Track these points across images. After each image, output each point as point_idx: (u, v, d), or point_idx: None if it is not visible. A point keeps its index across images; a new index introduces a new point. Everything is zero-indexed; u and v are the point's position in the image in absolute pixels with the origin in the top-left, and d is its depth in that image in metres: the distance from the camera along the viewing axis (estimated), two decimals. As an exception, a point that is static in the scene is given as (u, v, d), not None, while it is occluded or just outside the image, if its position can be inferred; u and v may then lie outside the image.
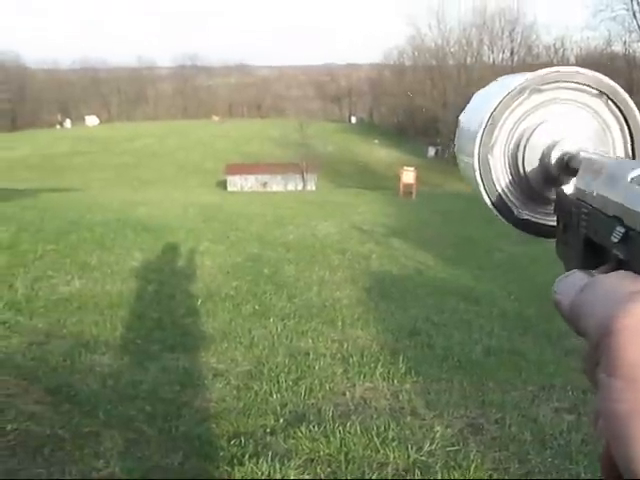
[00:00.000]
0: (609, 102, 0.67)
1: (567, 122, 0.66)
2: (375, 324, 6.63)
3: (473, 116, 0.70)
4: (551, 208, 0.66)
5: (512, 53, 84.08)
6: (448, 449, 3.84)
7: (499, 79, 0.72)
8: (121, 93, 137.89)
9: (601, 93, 0.67)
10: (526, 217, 0.69)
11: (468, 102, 0.75)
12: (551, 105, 0.67)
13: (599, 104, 0.68)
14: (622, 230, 0.46)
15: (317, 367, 5.19)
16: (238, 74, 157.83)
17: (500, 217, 0.69)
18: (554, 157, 0.64)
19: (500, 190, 0.68)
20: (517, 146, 0.67)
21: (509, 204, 0.69)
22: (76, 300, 6.70)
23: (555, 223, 0.64)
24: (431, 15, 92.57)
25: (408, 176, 37.08)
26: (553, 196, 0.64)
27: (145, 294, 7.30)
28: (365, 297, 7.97)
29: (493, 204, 0.68)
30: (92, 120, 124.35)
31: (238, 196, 36.02)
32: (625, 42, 51.10)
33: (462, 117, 0.75)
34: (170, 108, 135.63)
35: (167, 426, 3.95)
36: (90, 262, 8.49)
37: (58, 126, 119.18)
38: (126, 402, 4.27)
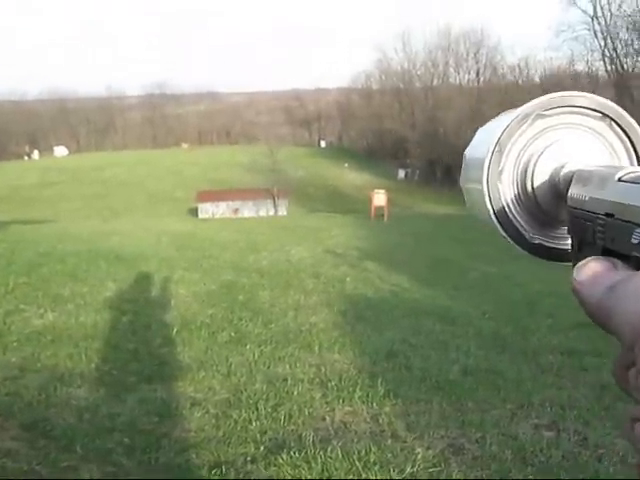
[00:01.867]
0: (613, 124, 0.68)
1: (573, 145, 0.67)
2: (352, 347, 6.62)
3: (479, 146, 0.71)
4: (563, 231, 0.67)
5: (478, 74, 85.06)
6: (430, 470, 3.84)
7: (503, 112, 0.73)
8: (90, 123, 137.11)
9: (605, 116, 0.68)
10: (538, 242, 0.69)
11: (471, 139, 0.76)
12: (556, 130, 0.68)
13: (603, 127, 0.68)
14: None
15: (296, 393, 5.16)
16: (208, 101, 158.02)
17: (512, 243, 0.69)
18: (562, 179, 0.65)
19: (511, 216, 0.69)
20: (525, 171, 0.68)
21: (521, 230, 0.69)
22: (50, 333, 6.62)
23: (568, 246, 0.65)
24: (397, 39, 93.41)
25: (379, 198, 37.27)
26: (564, 218, 0.65)
27: (120, 325, 7.23)
28: (341, 321, 7.95)
29: (505, 230, 0.69)
30: (61, 151, 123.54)
31: (210, 223, 35.91)
32: (587, 61, 51.99)
33: (467, 151, 0.76)
34: (139, 137, 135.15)
35: (146, 458, 3.90)
36: (63, 294, 8.40)
37: (26, 157, 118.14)
38: (104, 435, 4.22)
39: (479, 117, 59.65)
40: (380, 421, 4.65)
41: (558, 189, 0.66)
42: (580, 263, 0.50)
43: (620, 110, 0.68)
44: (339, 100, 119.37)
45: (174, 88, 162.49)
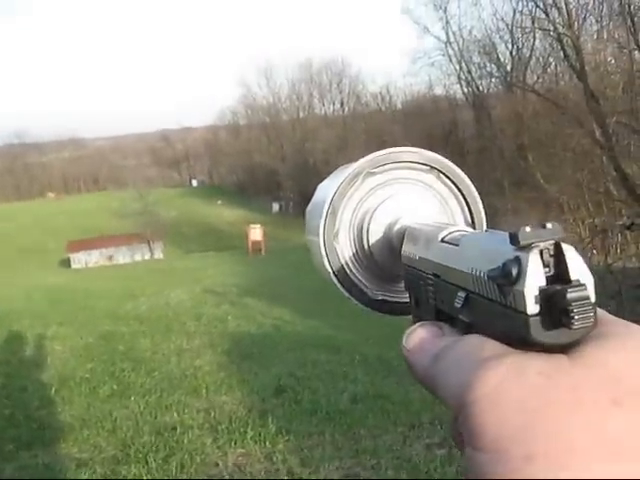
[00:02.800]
0: (441, 175, 0.70)
1: (404, 200, 0.68)
2: (240, 387, 6.54)
3: (316, 208, 0.72)
4: (403, 286, 0.67)
5: (342, 104, 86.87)
6: (328, 504, 3.82)
7: (338, 168, 0.74)
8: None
9: (432, 168, 0.70)
10: (381, 297, 0.70)
11: (312, 193, 0.76)
12: (387, 186, 0.69)
13: (432, 179, 0.70)
14: (463, 295, 0.47)
15: (186, 441, 5.03)
16: (71, 148, 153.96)
17: (355, 302, 0.69)
18: (395, 236, 0.66)
19: (351, 275, 0.69)
20: (361, 229, 0.69)
21: (362, 287, 0.69)
22: None
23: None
24: (260, 74, 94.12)
25: (255, 233, 37.35)
26: (401, 273, 0.65)
27: (-8, 390, 6.85)
28: (226, 361, 7.85)
29: (347, 290, 0.69)
30: None
31: (84, 273, 34.87)
32: (445, 85, 54.00)
33: (308, 209, 0.76)
34: (1, 189, 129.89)
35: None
36: None
37: None
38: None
39: (346, 145, 61.06)
40: (274, 459, 4.61)
41: (393, 245, 0.67)
42: (408, 330, 0.51)
43: (446, 161, 0.70)
44: (206, 138, 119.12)
45: (35, 136, 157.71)
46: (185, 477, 4.41)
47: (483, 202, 0.71)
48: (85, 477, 4.46)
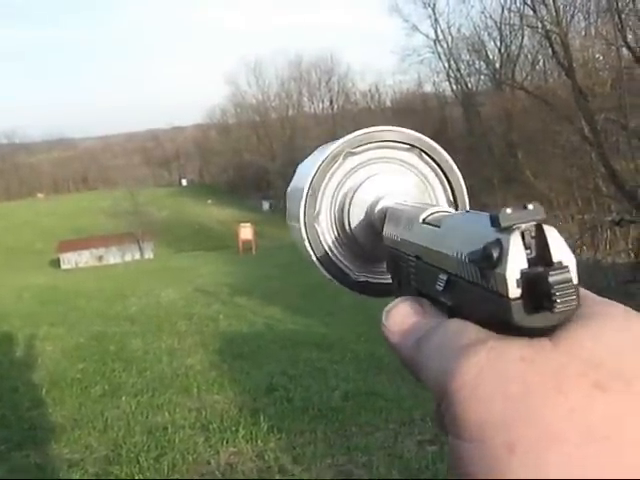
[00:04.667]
0: (422, 154, 0.69)
1: (385, 180, 0.68)
2: (231, 386, 6.53)
3: (295, 189, 0.71)
4: (385, 267, 0.67)
5: (331, 102, 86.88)
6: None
7: (318, 148, 0.73)
8: None
9: (412, 147, 0.69)
10: (363, 279, 0.69)
11: (293, 174, 0.75)
12: (367, 166, 0.68)
13: (412, 157, 0.69)
14: (445, 277, 0.47)
15: (177, 440, 5.02)
16: (60, 148, 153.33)
17: (336, 282, 0.69)
18: (377, 216, 0.65)
19: (332, 256, 0.68)
20: (341, 210, 0.68)
21: (344, 268, 0.69)
22: None
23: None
24: (249, 72, 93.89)
25: (245, 232, 37.27)
26: (384, 254, 0.65)
27: (-17, 391, 6.82)
28: (218, 360, 7.84)
29: (327, 271, 0.68)
30: None
31: (74, 273, 34.71)
32: (434, 82, 54.08)
33: (288, 191, 0.75)
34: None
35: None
36: None
37: None
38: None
39: (336, 144, 60.92)
40: (266, 458, 4.61)
41: (374, 227, 0.66)
42: (389, 306, 0.51)
43: (427, 140, 0.69)
44: (196, 137, 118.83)
45: (23, 137, 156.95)
46: (177, 476, 4.41)
47: (465, 181, 0.70)
48: (77, 477, 4.46)
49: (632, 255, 19.62)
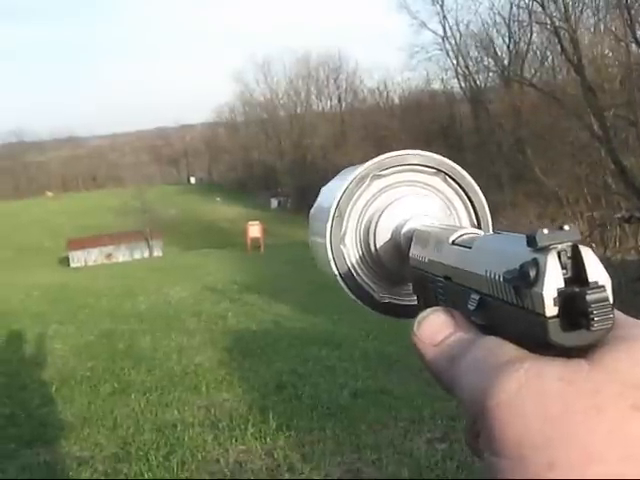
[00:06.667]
0: (447, 178, 0.70)
1: (411, 203, 0.68)
2: (240, 384, 6.54)
3: (321, 210, 0.72)
4: (411, 288, 0.67)
5: (340, 99, 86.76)
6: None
7: (342, 171, 0.74)
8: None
9: (438, 171, 0.70)
10: (387, 300, 0.70)
11: (316, 196, 0.76)
12: (393, 189, 0.69)
13: (438, 182, 0.70)
14: (477, 297, 0.47)
15: (186, 438, 5.03)
16: (69, 146, 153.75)
17: (362, 305, 0.69)
18: (403, 238, 0.66)
19: (358, 278, 0.69)
20: (367, 232, 0.69)
21: (368, 290, 0.69)
22: None
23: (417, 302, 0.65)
24: (257, 70, 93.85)
25: (254, 230, 37.26)
26: (409, 276, 0.65)
27: (-7, 389, 6.85)
28: (227, 358, 7.85)
29: (352, 292, 0.69)
30: None
31: (83, 271, 34.81)
32: (442, 80, 53.89)
33: (312, 211, 0.76)
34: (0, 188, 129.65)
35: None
36: None
37: None
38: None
39: (344, 141, 61.03)
40: (275, 456, 4.61)
41: (400, 249, 0.66)
42: (420, 315, 0.51)
43: (452, 164, 0.70)
44: (205, 135, 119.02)
45: (32, 135, 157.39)
46: (186, 474, 4.41)
47: (483, 193, 0.71)
48: (86, 475, 4.47)
49: (642, 252, 19.56)
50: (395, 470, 4.24)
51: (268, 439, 4.90)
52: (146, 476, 4.38)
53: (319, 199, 0.75)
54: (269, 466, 4.47)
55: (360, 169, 0.68)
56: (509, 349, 0.42)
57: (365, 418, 5.27)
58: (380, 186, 0.69)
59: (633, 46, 23.86)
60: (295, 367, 7.13)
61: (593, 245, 18.95)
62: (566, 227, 0.39)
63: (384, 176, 0.68)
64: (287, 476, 4.30)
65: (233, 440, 4.93)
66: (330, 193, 0.71)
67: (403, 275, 0.67)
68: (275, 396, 6.05)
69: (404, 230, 0.66)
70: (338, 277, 0.68)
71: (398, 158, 0.68)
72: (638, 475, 0.35)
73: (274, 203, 79.97)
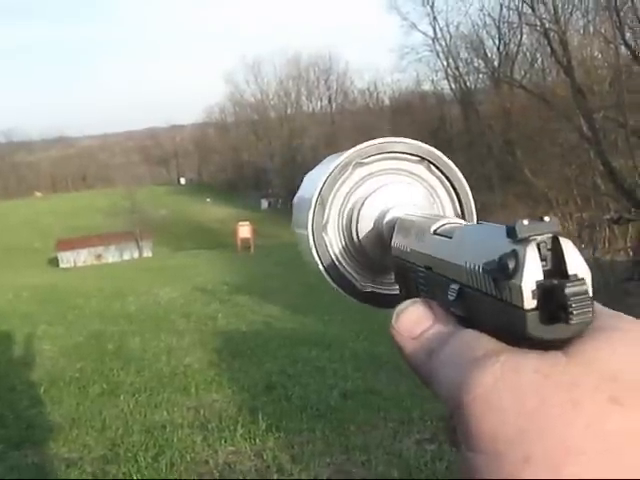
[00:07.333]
0: (431, 167, 0.69)
1: (394, 191, 0.68)
2: (230, 385, 6.53)
3: (303, 198, 0.71)
4: (393, 277, 0.66)
5: (330, 100, 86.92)
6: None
7: (325, 159, 0.73)
8: None
9: (422, 159, 0.69)
10: (370, 290, 0.69)
11: (299, 185, 0.75)
12: (376, 177, 0.68)
13: (422, 170, 0.69)
14: (456, 288, 0.46)
15: (175, 439, 5.02)
16: (59, 146, 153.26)
17: (343, 293, 0.69)
18: (385, 227, 0.65)
19: (339, 266, 0.68)
20: (350, 220, 0.68)
21: (350, 279, 0.69)
22: None
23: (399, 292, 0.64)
24: (247, 71, 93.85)
25: (244, 230, 37.29)
26: (391, 265, 0.65)
27: (-19, 391, 6.80)
28: (216, 359, 7.84)
29: (334, 281, 0.68)
30: None
31: (72, 272, 34.73)
32: (433, 81, 54.01)
33: (295, 200, 0.75)
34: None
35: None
36: None
37: None
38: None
39: (334, 142, 61.01)
40: (265, 457, 4.60)
41: (383, 237, 0.66)
42: (399, 307, 0.50)
43: (436, 152, 0.69)
44: (195, 135, 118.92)
45: (22, 135, 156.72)
46: (175, 475, 4.40)
47: (473, 194, 0.70)
48: (75, 477, 4.45)
49: (630, 253, 19.61)
50: (384, 471, 4.24)
51: (257, 440, 4.89)
52: (135, 477, 4.36)
53: (301, 188, 0.74)
54: (258, 467, 4.46)
55: (342, 157, 0.67)
56: (486, 342, 0.41)
57: (354, 419, 5.27)
58: (362, 174, 0.68)
59: (622, 48, 23.96)
60: (285, 368, 7.12)
61: (582, 246, 19.04)
62: (546, 218, 0.39)
63: (367, 164, 0.68)
64: (276, 477, 4.29)
65: (222, 441, 4.92)
66: (312, 181, 0.70)
67: (385, 264, 0.67)
68: (265, 397, 6.05)
69: (387, 219, 0.65)
70: (320, 266, 0.68)
71: (381, 146, 0.68)
72: (615, 469, 0.35)
73: (264, 204, 79.98)
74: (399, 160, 0.69)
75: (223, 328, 10.21)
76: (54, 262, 56.32)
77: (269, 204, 79.50)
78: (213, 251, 39.24)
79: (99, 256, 57.03)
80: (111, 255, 57.25)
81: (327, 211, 0.67)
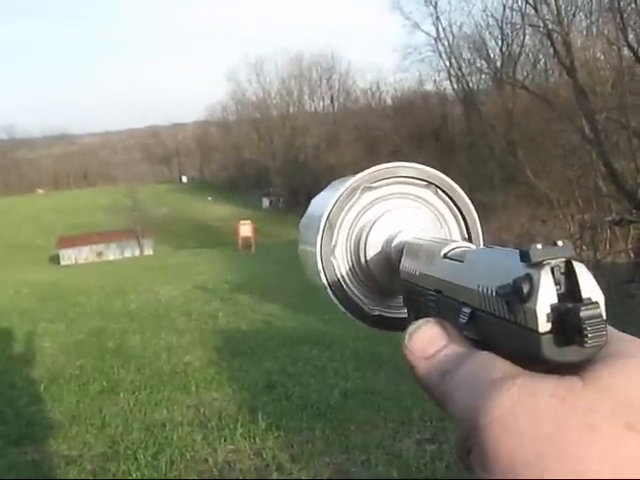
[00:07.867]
0: (438, 191, 0.70)
1: (402, 215, 0.68)
2: (230, 384, 6.53)
3: (311, 221, 0.71)
4: (401, 301, 0.67)
5: (332, 100, 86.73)
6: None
7: (333, 183, 0.73)
8: None
9: (429, 184, 0.70)
10: (378, 313, 0.69)
11: (306, 208, 0.76)
12: (384, 201, 0.69)
13: (429, 194, 0.70)
14: (468, 311, 0.47)
15: (175, 437, 5.02)
16: (61, 144, 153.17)
17: (352, 318, 0.69)
18: (394, 251, 0.66)
19: (348, 290, 0.69)
20: (358, 244, 0.68)
21: (358, 302, 0.69)
22: None
23: (407, 315, 0.65)
24: (250, 69, 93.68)
25: (245, 229, 37.31)
26: (399, 288, 0.65)
27: (-19, 387, 6.81)
28: (216, 357, 7.84)
29: (343, 305, 0.69)
30: None
31: (73, 269, 34.73)
32: (435, 81, 53.92)
33: (302, 223, 0.75)
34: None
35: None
36: None
37: None
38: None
39: (336, 141, 61.03)
40: (264, 456, 4.61)
41: (391, 261, 0.66)
42: (411, 327, 0.50)
43: (443, 177, 0.70)
44: (197, 134, 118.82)
45: (23, 132, 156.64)
46: (175, 474, 4.40)
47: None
48: (74, 474, 4.45)
49: (632, 255, 19.60)
50: (384, 471, 4.24)
51: (257, 439, 4.89)
52: (134, 475, 4.36)
53: (309, 210, 0.74)
54: (258, 466, 4.46)
55: (351, 181, 0.67)
56: (502, 365, 0.41)
57: (355, 418, 5.27)
58: (371, 198, 0.69)
59: (625, 49, 23.92)
60: (285, 367, 7.12)
61: (584, 247, 19.02)
62: (560, 243, 0.39)
63: (375, 188, 0.68)
64: (276, 476, 4.29)
65: (222, 440, 4.92)
66: (321, 204, 0.70)
67: (393, 288, 0.67)
68: (265, 396, 6.05)
69: (395, 242, 0.66)
70: (328, 289, 0.68)
71: (389, 170, 0.68)
72: None
73: (266, 202, 79.99)
74: (407, 184, 0.69)
75: (223, 327, 10.22)
76: (55, 259, 56.37)
77: (270, 203, 79.51)
78: (214, 249, 39.24)
79: (100, 254, 57.05)
80: (112, 253, 57.25)
81: (335, 234, 0.68)
